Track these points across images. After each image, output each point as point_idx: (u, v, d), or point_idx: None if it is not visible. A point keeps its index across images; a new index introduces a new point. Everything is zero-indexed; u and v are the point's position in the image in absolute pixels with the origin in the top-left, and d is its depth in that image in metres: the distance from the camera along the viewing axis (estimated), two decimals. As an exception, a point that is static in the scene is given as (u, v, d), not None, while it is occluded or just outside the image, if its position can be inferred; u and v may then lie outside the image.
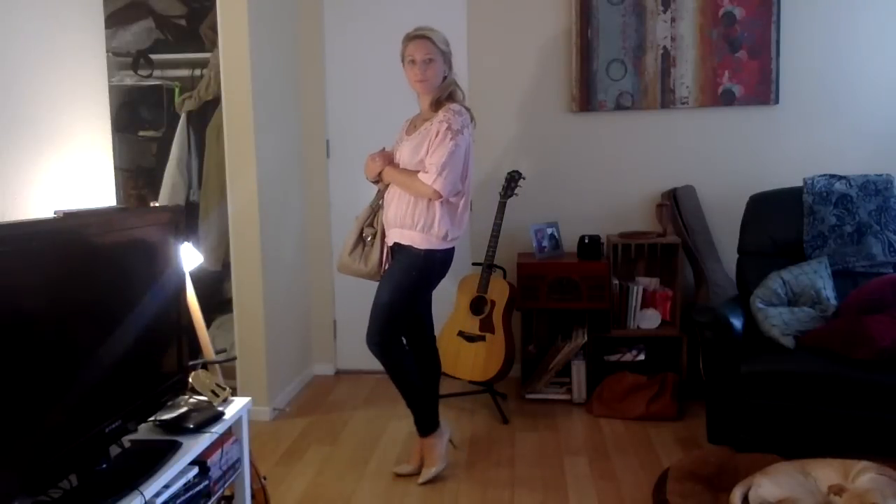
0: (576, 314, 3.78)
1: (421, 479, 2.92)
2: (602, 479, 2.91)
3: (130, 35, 3.86)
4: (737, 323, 2.97)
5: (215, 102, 3.65)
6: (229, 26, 3.38)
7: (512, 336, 3.64)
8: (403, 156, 2.84)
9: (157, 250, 2.01)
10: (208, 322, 2.91)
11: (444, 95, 2.83)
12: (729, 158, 3.94)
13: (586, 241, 3.76)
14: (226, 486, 2.12)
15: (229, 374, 3.12)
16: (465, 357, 3.60)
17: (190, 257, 2.40)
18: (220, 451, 2.05)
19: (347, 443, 3.34)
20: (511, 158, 4.02)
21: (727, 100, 3.87)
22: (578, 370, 3.70)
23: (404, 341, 2.94)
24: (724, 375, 2.90)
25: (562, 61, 3.98)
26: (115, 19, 3.77)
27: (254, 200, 3.48)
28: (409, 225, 2.79)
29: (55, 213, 1.75)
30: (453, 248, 2.89)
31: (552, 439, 3.31)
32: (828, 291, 3.13)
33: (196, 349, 2.43)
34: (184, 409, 2.08)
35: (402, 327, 2.89)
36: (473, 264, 3.88)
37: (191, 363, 2.19)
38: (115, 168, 2.46)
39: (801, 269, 3.19)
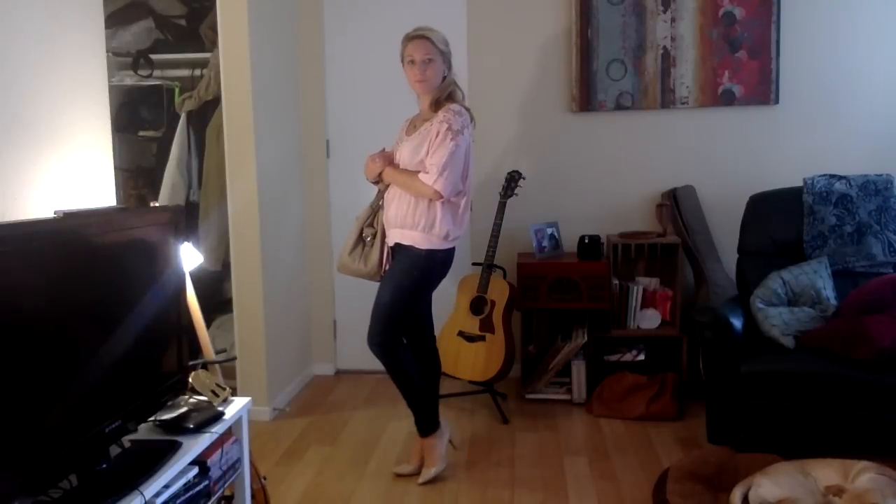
0: (576, 314, 3.78)
1: (421, 480, 2.92)
2: (602, 479, 2.91)
3: (130, 35, 3.86)
4: (737, 323, 2.97)
5: (215, 102, 3.65)
6: (229, 26, 3.38)
7: (512, 336, 3.64)
8: (403, 156, 2.84)
9: (157, 250, 2.01)
10: (208, 322, 2.91)
11: (444, 95, 2.83)
12: (729, 158, 3.94)
13: (586, 241, 3.76)
14: (226, 486, 2.12)
15: (229, 374, 3.12)
16: (465, 357, 3.60)
17: (190, 257, 2.40)
18: (220, 451, 2.05)
19: (347, 443, 3.34)
20: (511, 158, 4.02)
21: (727, 100, 3.87)
22: (578, 370, 3.70)
23: (405, 341, 2.94)
24: (724, 375, 2.90)
25: (562, 61, 3.98)
26: (115, 19, 3.78)
27: (254, 200, 3.48)
28: (410, 225, 2.79)
29: (55, 213, 1.75)
30: (454, 248, 2.89)
31: (552, 439, 3.31)
32: (828, 291, 3.13)
33: (196, 349, 2.43)
34: (184, 409, 2.08)
35: (403, 327, 2.89)
36: (473, 264, 3.88)
37: (191, 363, 2.19)
38: (115, 168, 2.46)
39: (801, 269, 3.19)
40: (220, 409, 2.12)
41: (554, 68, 4.00)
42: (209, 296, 3.72)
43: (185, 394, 2.15)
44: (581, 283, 3.67)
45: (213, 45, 3.68)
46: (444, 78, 2.82)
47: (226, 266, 3.70)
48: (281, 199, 3.83)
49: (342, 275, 3.04)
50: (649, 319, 3.76)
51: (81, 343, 1.65)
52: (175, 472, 1.80)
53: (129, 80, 3.87)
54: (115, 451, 1.80)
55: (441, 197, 2.73)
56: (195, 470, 1.91)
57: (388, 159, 2.90)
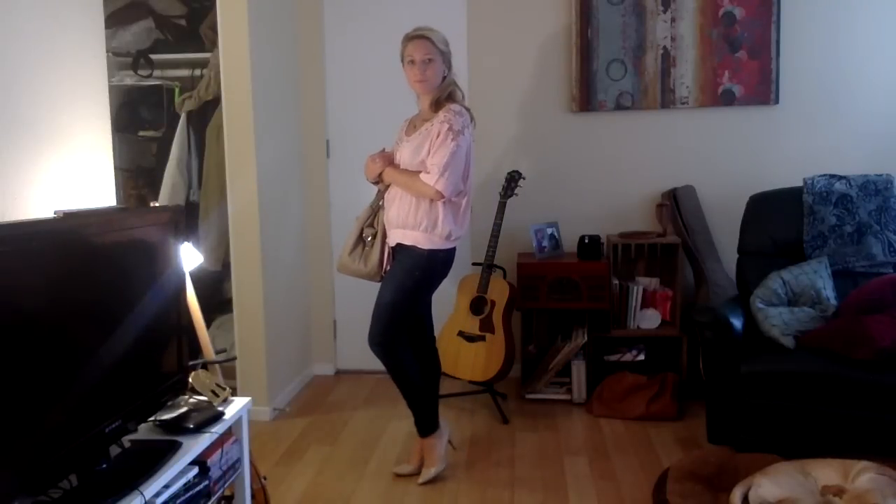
0: (576, 314, 3.78)
1: (421, 480, 2.92)
2: (602, 479, 2.91)
3: (130, 35, 3.86)
4: (737, 323, 2.97)
5: (215, 102, 3.65)
6: (229, 26, 3.38)
7: (512, 336, 3.64)
8: (404, 156, 2.84)
9: (157, 250, 2.01)
10: (208, 322, 2.91)
11: (444, 95, 2.83)
12: (729, 158, 3.94)
13: (586, 241, 3.76)
14: (226, 486, 2.12)
15: (229, 374, 3.12)
16: (465, 357, 3.60)
17: (190, 257, 2.40)
18: (220, 451, 2.05)
19: (347, 443, 3.34)
20: (511, 158, 4.02)
21: (727, 100, 3.87)
22: (578, 370, 3.70)
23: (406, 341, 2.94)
24: (724, 375, 2.90)
25: (562, 61, 3.98)
26: (115, 19, 3.78)
27: (254, 200, 3.48)
28: (411, 225, 2.79)
29: (55, 213, 1.75)
30: (455, 248, 2.89)
31: (552, 439, 3.31)
32: (828, 291, 3.13)
33: (196, 349, 2.43)
34: (184, 409, 2.08)
35: (404, 328, 2.88)
36: (473, 264, 3.88)
37: (191, 363, 2.19)
38: (115, 168, 2.46)
39: (801, 269, 3.19)
40: (220, 409, 2.12)
41: (554, 68, 4.00)
42: (209, 296, 3.72)
43: (185, 394, 2.15)
44: (581, 283, 3.67)
45: (213, 45, 3.68)
46: (444, 78, 2.82)
47: (226, 266, 3.70)
48: (281, 199, 3.83)
49: (342, 275, 3.04)
50: (649, 319, 3.76)
51: (81, 343, 1.65)
52: (175, 472, 1.79)
53: (129, 80, 3.88)
54: (115, 451, 1.80)
55: (443, 197, 2.73)
56: (195, 470, 1.91)
57: (389, 159, 2.90)
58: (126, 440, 1.85)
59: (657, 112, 3.94)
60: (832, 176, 3.39)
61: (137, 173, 4.03)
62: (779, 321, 3.01)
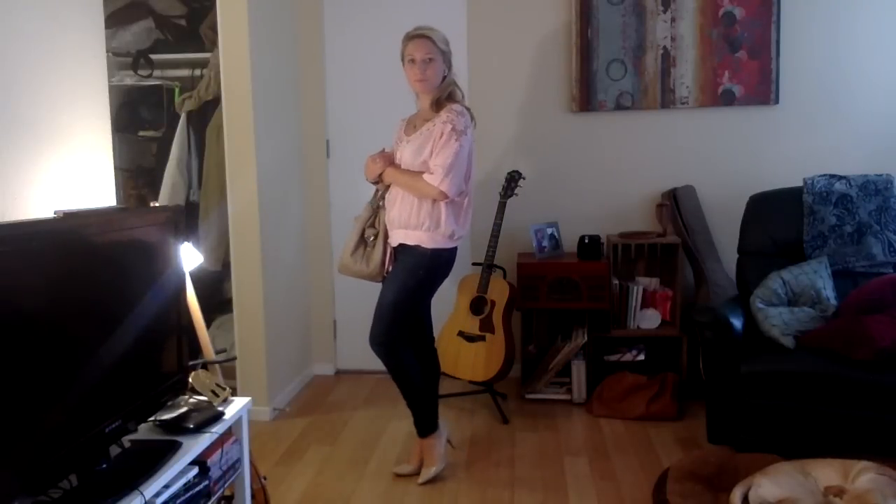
0: (576, 314, 3.78)
1: (421, 479, 2.92)
2: (602, 479, 2.91)
3: (130, 35, 3.86)
4: (737, 323, 2.97)
5: (215, 102, 3.65)
6: (229, 26, 3.38)
7: (512, 336, 3.64)
8: (405, 157, 2.83)
9: (157, 250, 2.01)
10: (208, 322, 2.91)
11: (444, 95, 2.83)
12: (729, 158, 3.94)
13: (586, 241, 3.76)
14: (226, 486, 2.12)
15: (229, 374, 3.12)
16: (465, 357, 3.60)
17: (190, 257, 2.40)
18: (220, 451, 2.05)
19: (347, 443, 3.34)
20: (511, 158, 4.02)
21: (727, 100, 3.87)
22: (578, 370, 3.70)
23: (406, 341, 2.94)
24: (724, 375, 2.90)
25: (562, 61, 3.98)
26: (115, 19, 3.78)
27: (254, 200, 3.48)
28: (414, 225, 2.79)
29: (55, 213, 1.75)
30: (457, 248, 2.89)
31: (552, 439, 3.31)
32: (828, 291, 3.13)
33: (196, 349, 2.43)
34: (184, 409, 2.08)
35: (406, 328, 2.88)
36: (473, 264, 3.88)
37: (191, 363, 2.19)
38: (115, 168, 2.45)
39: (801, 269, 3.19)
40: (220, 409, 2.12)
41: (554, 68, 4.00)
42: (209, 296, 3.72)
43: (185, 394, 2.15)
44: (581, 283, 3.67)
45: (213, 45, 3.68)
46: (444, 77, 2.82)
47: (226, 266, 3.70)
48: (281, 199, 3.83)
49: (342, 275, 3.04)
50: (649, 319, 3.76)
51: (81, 343, 1.65)
52: (175, 472, 1.80)
53: (129, 80, 3.88)
54: (115, 451, 1.80)
55: (446, 197, 2.73)
56: (195, 470, 1.91)
57: (389, 160, 2.90)
58: (126, 440, 1.85)
59: (657, 112, 3.94)
60: (832, 176, 3.39)
61: (137, 173, 4.03)
62: (779, 321, 3.01)
